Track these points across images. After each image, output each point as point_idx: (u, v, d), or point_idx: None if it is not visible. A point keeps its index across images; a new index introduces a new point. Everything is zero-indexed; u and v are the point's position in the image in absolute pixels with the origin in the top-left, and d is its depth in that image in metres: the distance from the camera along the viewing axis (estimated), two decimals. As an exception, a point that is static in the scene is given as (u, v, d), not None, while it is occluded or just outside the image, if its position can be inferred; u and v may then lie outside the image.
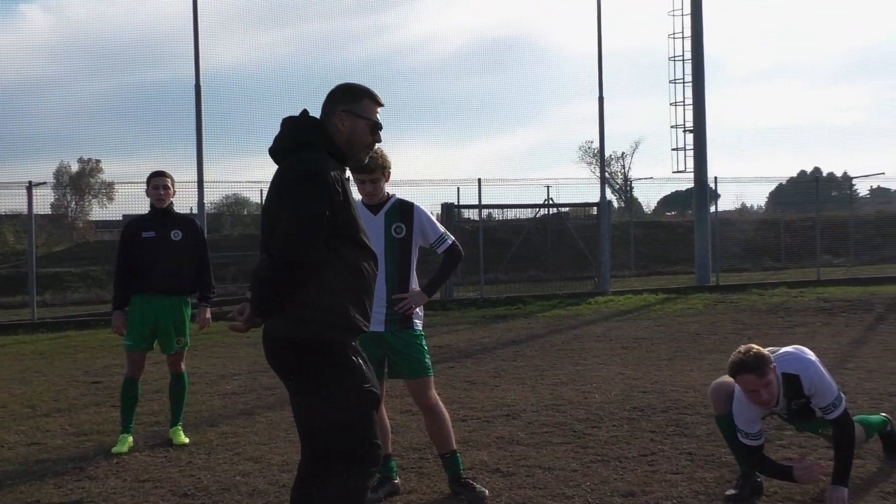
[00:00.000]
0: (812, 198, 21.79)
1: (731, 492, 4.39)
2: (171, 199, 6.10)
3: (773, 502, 4.33)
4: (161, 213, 6.03)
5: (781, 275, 22.07)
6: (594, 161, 44.75)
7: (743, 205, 33.55)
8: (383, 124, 3.24)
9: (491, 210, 19.27)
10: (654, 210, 50.12)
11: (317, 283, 2.96)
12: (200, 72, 16.23)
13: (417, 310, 4.54)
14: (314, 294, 2.97)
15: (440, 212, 17.86)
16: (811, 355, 4.43)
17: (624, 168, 55.89)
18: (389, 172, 4.52)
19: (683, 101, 20.28)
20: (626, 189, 52.23)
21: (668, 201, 52.10)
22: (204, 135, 16.31)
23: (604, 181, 19.99)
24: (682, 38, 20.24)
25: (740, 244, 26.18)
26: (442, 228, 4.67)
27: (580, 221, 20.35)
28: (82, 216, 35.74)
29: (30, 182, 15.79)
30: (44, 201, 36.07)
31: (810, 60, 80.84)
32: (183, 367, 6.21)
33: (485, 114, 26.78)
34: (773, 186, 40.57)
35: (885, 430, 4.97)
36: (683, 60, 20.24)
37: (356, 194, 4.27)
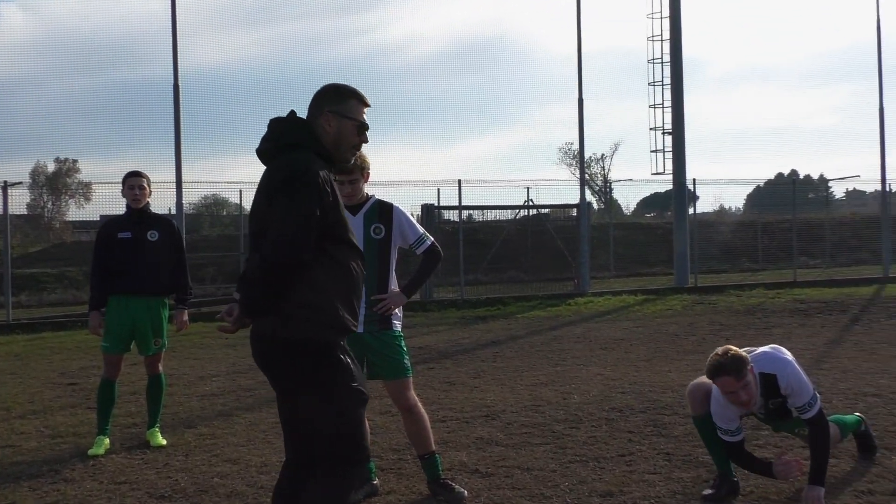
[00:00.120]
0: (789, 200, 21.97)
1: (707, 491, 4.42)
2: (148, 199, 6.06)
3: (750, 502, 4.36)
4: (137, 214, 5.98)
5: (759, 276, 22.27)
6: (574, 163, 44.92)
7: (721, 206, 33.73)
8: (369, 125, 3.24)
9: (471, 211, 19.26)
10: (633, 211, 50.45)
11: (307, 282, 2.97)
12: (179, 71, 16.13)
13: (397, 311, 4.55)
14: (305, 294, 2.97)
15: (420, 213, 17.86)
16: (788, 355, 4.48)
17: (604, 170, 56.23)
18: (368, 173, 4.52)
19: (662, 104, 20.43)
20: (605, 191, 52.53)
21: (648, 203, 52.36)
22: (182, 135, 16.24)
23: (583, 183, 20.04)
24: (661, 40, 20.37)
25: (718, 246, 26.37)
26: (421, 229, 4.66)
27: (560, 223, 20.42)
28: (59, 216, 35.34)
29: (5, 182, 15.59)
30: (20, 201, 35.78)
31: (786, 63, 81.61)
32: (160, 368, 6.17)
33: (465, 115, 26.76)
34: (750, 188, 41.13)
35: (859, 430, 5.03)
36: (662, 63, 20.39)
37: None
